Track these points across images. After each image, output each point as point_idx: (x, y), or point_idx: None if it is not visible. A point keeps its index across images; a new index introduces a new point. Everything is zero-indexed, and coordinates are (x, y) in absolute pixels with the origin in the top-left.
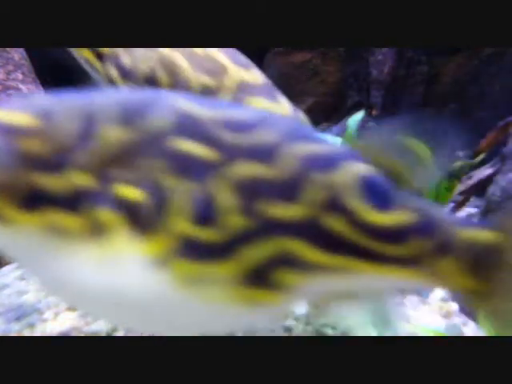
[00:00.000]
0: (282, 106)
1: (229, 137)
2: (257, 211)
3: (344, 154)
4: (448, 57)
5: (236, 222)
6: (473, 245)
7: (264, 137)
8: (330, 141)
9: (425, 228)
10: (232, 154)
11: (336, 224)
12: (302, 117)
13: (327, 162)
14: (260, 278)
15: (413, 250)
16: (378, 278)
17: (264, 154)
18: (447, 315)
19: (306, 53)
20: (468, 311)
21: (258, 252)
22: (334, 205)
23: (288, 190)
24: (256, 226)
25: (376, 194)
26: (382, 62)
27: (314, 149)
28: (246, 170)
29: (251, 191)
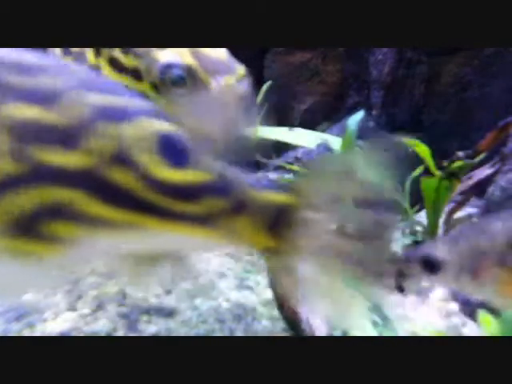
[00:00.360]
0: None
1: (9, 78)
2: (28, 156)
3: (143, 109)
4: (448, 57)
5: (3, 165)
6: (268, 205)
7: (50, 81)
8: (139, 98)
9: (219, 188)
10: (6, 94)
11: (122, 177)
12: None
13: (120, 115)
14: (29, 228)
15: (206, 208)
16: (173, 237)
17: (46, 98)
18: (447, 315)
19: (306, 53)
20: (468, 311)
21: (26, 200)
22: (121, 158)
23: (68, 137)
24: (26, 171)
25: (172, 151)
26: (381, 61)
27: (108, 100)
28: (21, 112)
29: (24, 134)
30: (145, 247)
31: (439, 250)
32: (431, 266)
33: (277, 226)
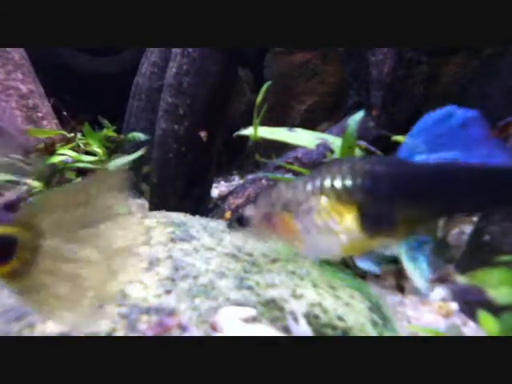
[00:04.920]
0: None
1: None
2: None
3: None
4: (448, 57)
5: None
6: None
7: None
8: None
9: None
10: None
11: None
12: None
13: None
14: None
15: None
16: None
17: None
18: (447, 315)
19: (306, 53)
20: (468, 311)
21: None
22: None
23: None
24: None
25: None
26: (382, 61)
27: None
28: None
29: None
30: None
31: (248, 209)
32: (243, 222)
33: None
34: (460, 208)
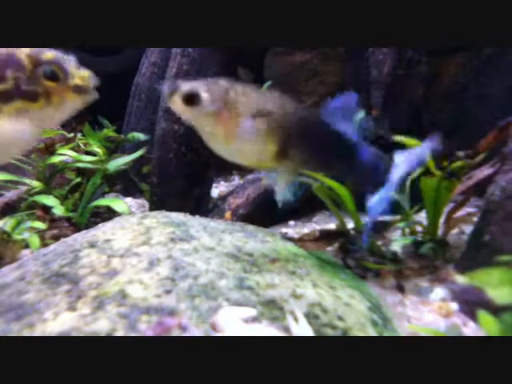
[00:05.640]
0: None
1: None
2: None
3: None
4: (448, 57)
5: None
6: None
7: None
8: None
9: None
10: None
11: None
12: None
13: None
14: None
15: None
16: None
17: None
18: (447, 315)
19: (306, 53)
20: (468, 311)
21: None
22: None
23: None
24: None
25: None
26: (382, 61)
27: None
28: None
29: None
30: None
31: (200, 88)
32: (192, 100)
33: None
34: (324, 168)
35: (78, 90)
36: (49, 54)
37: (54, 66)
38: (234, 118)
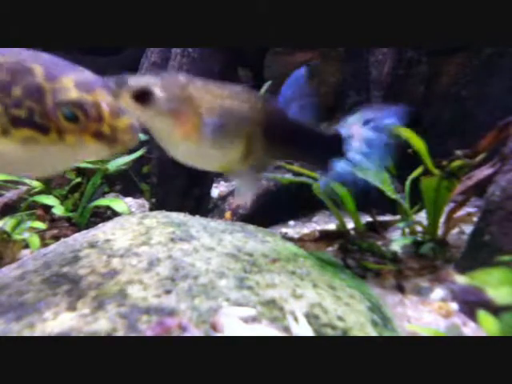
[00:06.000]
0: None
1: None
2: None
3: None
4: (448, 57)
5: None
6: None
7: None
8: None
9: None
10: None
11: None
12: None
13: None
14: None
15: None
16: None
17: None
18: (447, 315)
19: (306, 53)
20: (468, 311)
21: None
22: None
23: None
24: None
25: None
26: (382, 61)
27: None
28: None
29: None
30: None
31: (153, 84)
32: (144, 99)
33: None
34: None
35: (100, 136)
36: (74, 93)
37: (76, 108)
38: (195, 119)
